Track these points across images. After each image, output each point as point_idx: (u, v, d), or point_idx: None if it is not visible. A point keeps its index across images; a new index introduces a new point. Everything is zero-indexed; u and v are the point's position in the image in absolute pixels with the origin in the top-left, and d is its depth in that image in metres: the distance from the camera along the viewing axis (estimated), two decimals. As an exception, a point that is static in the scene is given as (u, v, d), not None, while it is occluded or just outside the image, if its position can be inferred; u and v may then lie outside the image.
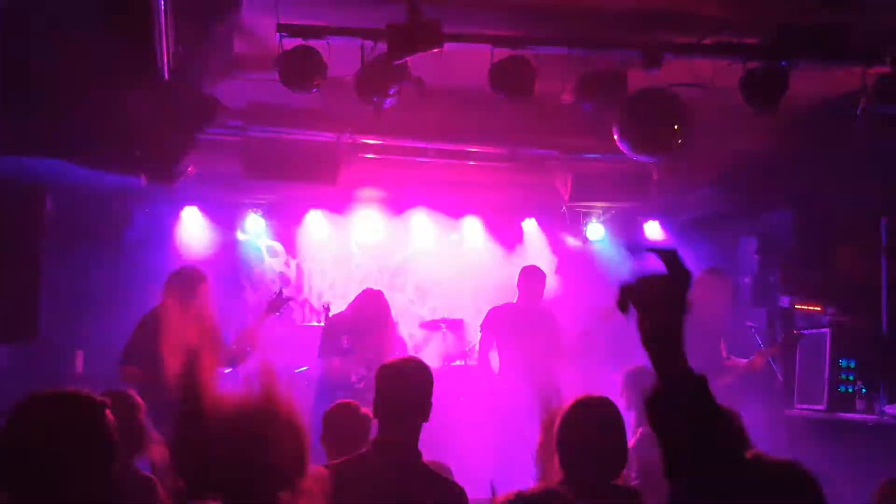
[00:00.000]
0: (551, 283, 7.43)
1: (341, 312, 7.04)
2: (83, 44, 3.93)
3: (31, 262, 5.37)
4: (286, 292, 6.56)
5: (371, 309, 6.72)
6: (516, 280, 7.32)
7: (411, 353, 8.43)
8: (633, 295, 1.65)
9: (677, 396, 1.61)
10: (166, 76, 4.04)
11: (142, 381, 5.67)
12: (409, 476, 3.21)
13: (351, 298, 7.40)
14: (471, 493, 3.37)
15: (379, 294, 6.89)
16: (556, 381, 6.95)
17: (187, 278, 5.99)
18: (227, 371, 6.42)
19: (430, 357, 7.50)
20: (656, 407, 1.64)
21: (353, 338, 6.60)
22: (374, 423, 3.39)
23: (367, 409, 4.06)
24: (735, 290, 7.06)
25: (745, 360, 6.76)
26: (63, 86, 4.42)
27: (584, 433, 3.05)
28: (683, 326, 1.66)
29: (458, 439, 6.45)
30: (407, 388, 3.30)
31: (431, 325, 8.62)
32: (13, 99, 4.53)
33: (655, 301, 1.64)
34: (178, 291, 5.92)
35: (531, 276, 7.29)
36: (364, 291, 7.03)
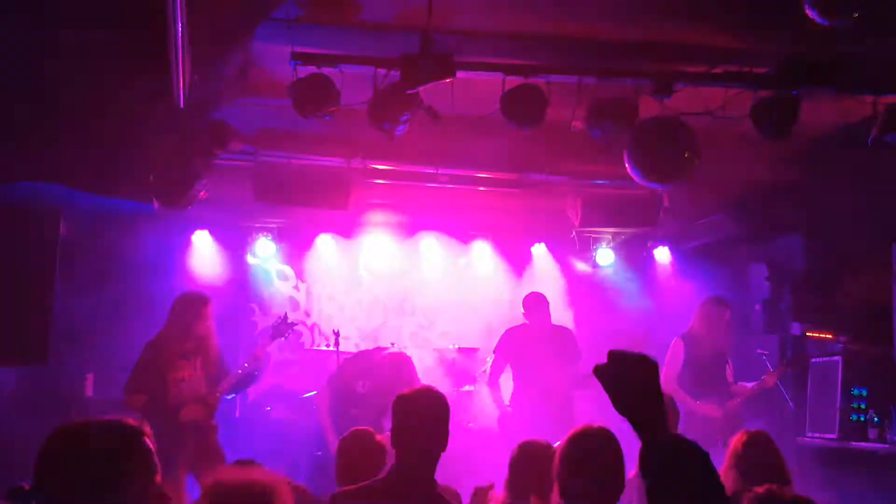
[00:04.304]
0: (560, 308, 7.36)
1: (358, 363, 6.84)
2: (100, 71, 3.97)
3: (44, 286, 5.39)
4: (291, 317, 6.60)
5: (392, 378, 6.38)
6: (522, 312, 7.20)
7: (423, 379, 8.40)
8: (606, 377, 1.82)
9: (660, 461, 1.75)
10: (181, 104, 4.07)
11: (147, 407, 5.69)
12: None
13: (359, 322, 7.18)
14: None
15: (406, 361, 6.64)
16: (571, 404, 6.91)
17: (190, 302, 6.04)
18: (232, 396, 6.45)
19: (440, 382, 7.46)
20: (644, 467, 1.77)
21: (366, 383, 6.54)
22: (390, 452, 3.40)
23: (381, 437, 4.07)
24: (735, 317, 7.01)
25: (752, 384, 6.71)
26: (79, 112, 4.46)
27: (582, 463, 3.04)
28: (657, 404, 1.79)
29: (466, 465, 6.41)
30: (425, 420, 3.32)
31: (442, 351, 8.59)
32: (29, 126, 4.57)
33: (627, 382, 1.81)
34: (182, 315, 5.97)
35: (532, 302, 7.14)
36: (390, 356, 6.73)
